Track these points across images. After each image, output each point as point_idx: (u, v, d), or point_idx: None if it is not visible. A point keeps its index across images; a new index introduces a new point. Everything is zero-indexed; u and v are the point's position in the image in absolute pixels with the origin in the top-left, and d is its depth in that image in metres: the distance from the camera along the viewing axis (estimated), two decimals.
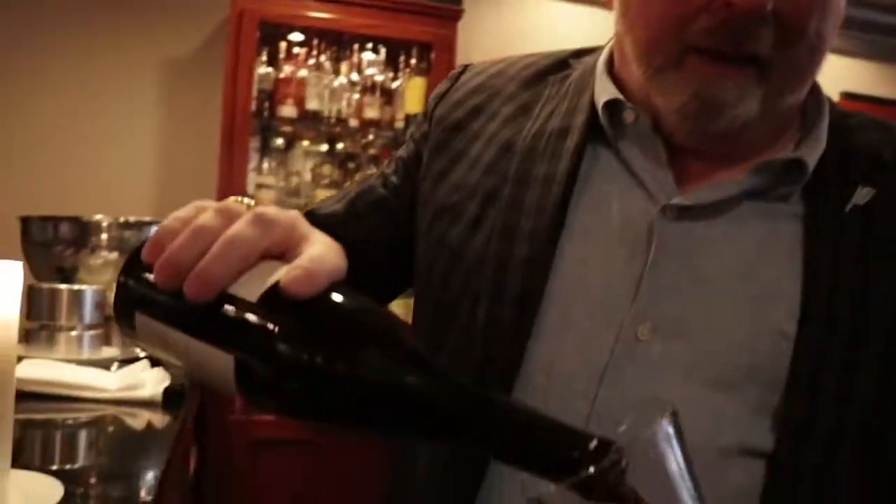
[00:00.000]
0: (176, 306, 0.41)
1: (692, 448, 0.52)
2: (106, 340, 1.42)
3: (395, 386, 0.36)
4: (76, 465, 0.86)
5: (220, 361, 0.39)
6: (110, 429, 0.98)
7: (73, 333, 1.30)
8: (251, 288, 0.39)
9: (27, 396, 1.06)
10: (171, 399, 1.10)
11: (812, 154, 0.58)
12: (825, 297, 0.54)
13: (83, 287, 1.31)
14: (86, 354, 1.30)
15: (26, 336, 1.31)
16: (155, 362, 1.20)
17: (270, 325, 0.38)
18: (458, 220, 0.64)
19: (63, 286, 1.30)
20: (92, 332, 1.32)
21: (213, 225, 0.40)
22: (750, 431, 0.52)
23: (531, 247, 0.59)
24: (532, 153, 0.64)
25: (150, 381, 1.12)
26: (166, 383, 1.13)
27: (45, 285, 1.31)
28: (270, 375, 0.38)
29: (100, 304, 1.33)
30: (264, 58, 2.76)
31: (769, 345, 0.54)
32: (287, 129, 2.88)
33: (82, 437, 0.98)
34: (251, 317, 0.39)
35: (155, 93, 2.83)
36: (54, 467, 0.81)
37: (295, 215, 0.44)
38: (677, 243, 0.57)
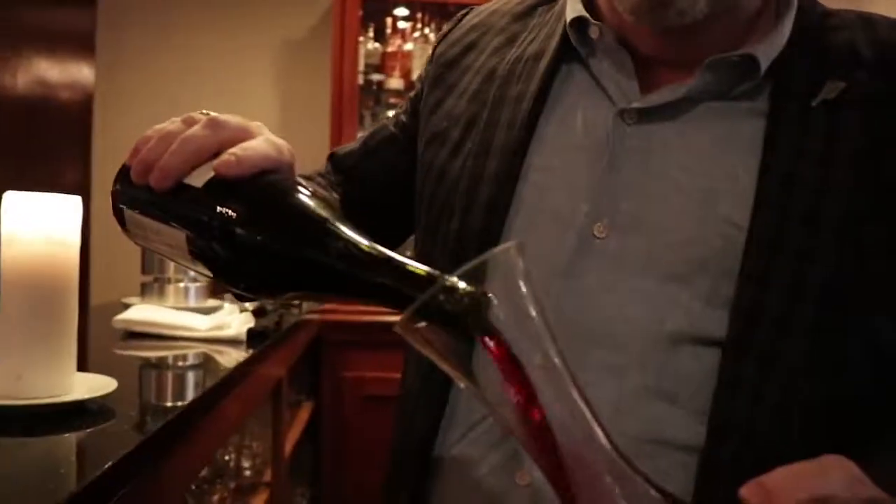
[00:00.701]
0: (147, 198, 0.50)
1: (645, 335, 0.54)
2: (217, 294, 1.56)
3: (289, 253, 0.43)
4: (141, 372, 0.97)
5: (177, 239, 0.48)
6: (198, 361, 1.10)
7: (181, 285, 1.45)
8: (200, 177, 0.47)
9: (134, 335, 1.22)
10: (253, 338, 1.22)
11: (767, 50, 0.57)
12: (779, 187, 0.53)
13: None
14: (192, 303, 1.44)
15: (142, 288, 1.48)
16: (243, 308, 1.33)
17: (208, 204, 0.46)
18: (444, 145, 0.69)
19: None
20: (197, 284, 1.47)
21: (175, 130, 0.49)
22: (702, 320, 0.54)
23: (500, 160, 0.63)
24: (510, 77, 0.67)
25: (235, 323, 1.23)
26: (250, 325, 1.25)
27: None
28: (206, 245, 0.46)
29: None
30: (371, 34, 2.87)
31: (720, 236, 0.54)
32: (395, 101, 2.97)
33: (165, 358, 1.10)
34: (195, 198, 0.47)
35: (271, 73, 3.02)
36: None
37: (255, 124, 0.51)
38: (635, 145, 0.59)
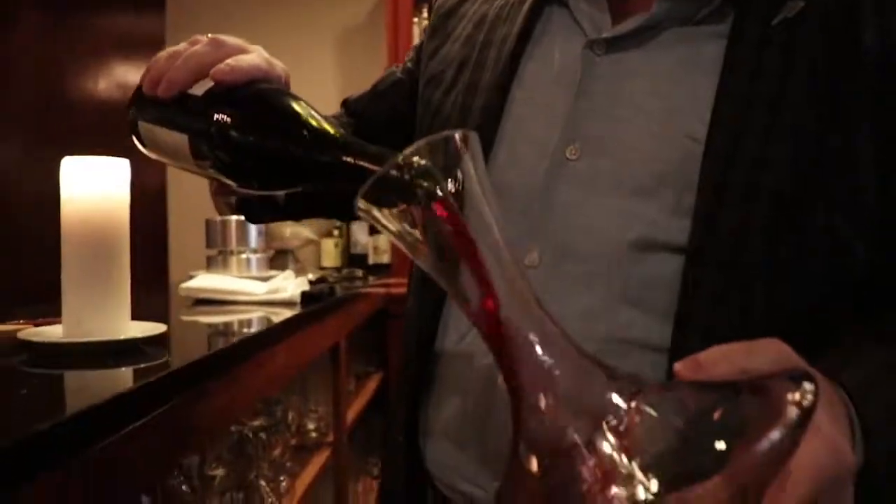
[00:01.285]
0: (158, 109, 0.58)
1: (610, 245, 0.57)
2: (280, 265, 1.65)
3: (275, 147, 0.50)
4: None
5: (181, 142, 0.56)
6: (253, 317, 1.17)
7: (243, 256, 1.53)
8: (202, 89, 0.55)
9: (200, 301, 1.30)
10: (307, 300, 1.29)
11: None
12: (736, 101, 0.55)
13: None
14: (254, 273, 1.52)
15: (207, 261, 1.57)
16: (299, 273, 1.40)
17: (206, 109, 0.53)
18: (440, 86, 0.75)
19: (232, 217, 1.53)
20: (258, 255, 1.55)
21: (181, 49, 0.57)
22: (666, 229, 0.56)
23: (486, 97, 0.68)
24: (497, 21, 0.72)
25: (291, 286, 1.31)
26: (305, 288, 1.32)
27: (219, 218, 1.55)
28: (207, 145, 0.53)
29: (262, 232, 1.55)
30: (425, 14, 2.91)
31: (681, 150, 0.56)
32: None
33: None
34: (196, 105, 0.54)
35: (331, 61, 3.10)
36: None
37: (254, 47, 0.59)
38: (603, 73, 0.62)
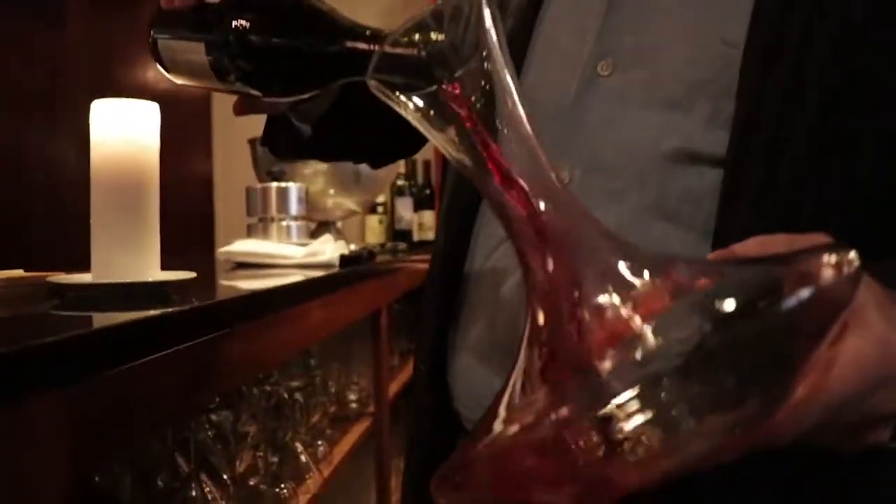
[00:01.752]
0: (175, 23, 0.57)
1: (642, 157, 0.54)
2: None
3: (291, 43, 0.50)
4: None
5: (201, 56, 0.54)
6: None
7: (283, 223, 1.52)
8: None
9: (241, 265, 1.30)
10: (346, 263, 1.26)
11: None
12: (776, 3, 0.51)
13: (288, 184, 1.52)
14: (294, 240, 1.51)
15: (248, 229, 1.56)
16: (338, 238, 1.38)
17: (225, 15, 0.52)
18: None
19: (272, 184, 1.52)
20: (298, 223, 1.53)
21: None
22: (702, 140, 0.52)
23: (516, 18, 0.67)
24: None
25: (329, 249, 1.29)
26: (343, 251, 1.30)
27: (259, 185, 1.53)
28: (225, 53, 0.52)
29: (302, 200, 1.54)
30: None
31: (718, 57, 0.53)
32: None
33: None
34: (213, 13, 0.53)
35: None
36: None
37: None
38: None
